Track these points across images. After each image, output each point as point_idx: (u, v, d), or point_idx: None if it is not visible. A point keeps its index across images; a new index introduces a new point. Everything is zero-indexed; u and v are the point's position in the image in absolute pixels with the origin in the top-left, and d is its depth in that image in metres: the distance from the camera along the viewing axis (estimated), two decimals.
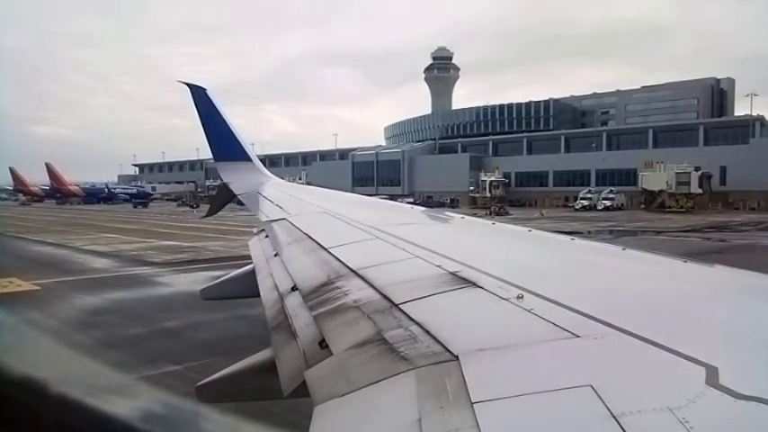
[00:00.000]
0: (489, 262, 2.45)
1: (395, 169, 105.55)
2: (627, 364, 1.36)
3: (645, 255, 2.71)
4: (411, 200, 76.83)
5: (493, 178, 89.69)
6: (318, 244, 3.47)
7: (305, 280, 2.74)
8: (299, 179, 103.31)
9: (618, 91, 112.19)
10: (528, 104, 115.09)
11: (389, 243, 3.20)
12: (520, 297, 1.86)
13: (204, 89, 8.76)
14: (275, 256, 3.68)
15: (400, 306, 1.95)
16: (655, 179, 71.87)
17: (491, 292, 1.98)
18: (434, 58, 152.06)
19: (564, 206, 79.11)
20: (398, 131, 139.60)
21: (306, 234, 3.95)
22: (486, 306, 1.91)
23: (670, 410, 1.06)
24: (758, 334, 1.55)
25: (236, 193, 7.94)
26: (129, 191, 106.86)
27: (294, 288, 2.69)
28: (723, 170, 74.14)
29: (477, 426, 1.10)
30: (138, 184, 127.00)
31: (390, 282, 2.31)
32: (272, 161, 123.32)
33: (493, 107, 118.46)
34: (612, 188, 78.45)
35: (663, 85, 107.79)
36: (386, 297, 2.10)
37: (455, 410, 1.18)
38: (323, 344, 1.89)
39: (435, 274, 2.32)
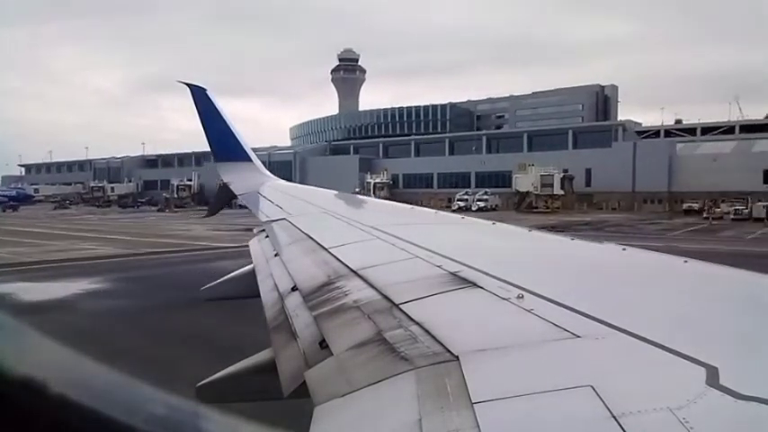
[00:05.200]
0: (489, 262, 2.45)
1: (287, 170, 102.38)
2: (627, 364, 1.36)
3: (645, 254, 2.70)
4: None
5: (378, 180, 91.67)
6: (318, 244, 3.47)
7: (305, 280, 2.74)
8: (188, 180, 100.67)
9: (511, 96, 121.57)
10: (426, 108, 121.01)
11: (389, 243, 3.20)
12: (520, 297, 1.86)
13: (204, 89, 8.77)
14: (275, 256, 3.68)
15: (400, 306, 1.95)
16: (524, 181, 76.77)
17: (491, 292, 1.98)
18: (341, 60, 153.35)
19: (447, 207, 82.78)
20: (304, 132, 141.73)
21: (306, 234, 3.95)
22: (486, 306, 1.91)
23: (670, 410, 1.06)
24: (758, 334, 1.55)
25: (237, 193, 7.95)
26: (7, 193, 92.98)
27: (294, 288, 2.69)
28: (588, 172, 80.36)
29: (478, 426, 1.10)
30: (19, 185, 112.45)
31: (390, 282, 2.31)
32: (165, 161, 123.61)
33: (393, 110, 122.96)
34: (487, 190, 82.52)
35: (552, 91, 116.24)
36: (386, 297, 2.10)
37: (455, 411, 1.18)
38: (323, 344, 1.89)
39: (435, 274, 2.32)
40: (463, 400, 1.20)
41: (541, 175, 74.55)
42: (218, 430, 1.70)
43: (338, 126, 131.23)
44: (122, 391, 1.59)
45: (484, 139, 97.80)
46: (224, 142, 8.83)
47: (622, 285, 2.26)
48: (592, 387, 1.17)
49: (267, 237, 4.52)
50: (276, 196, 6.73)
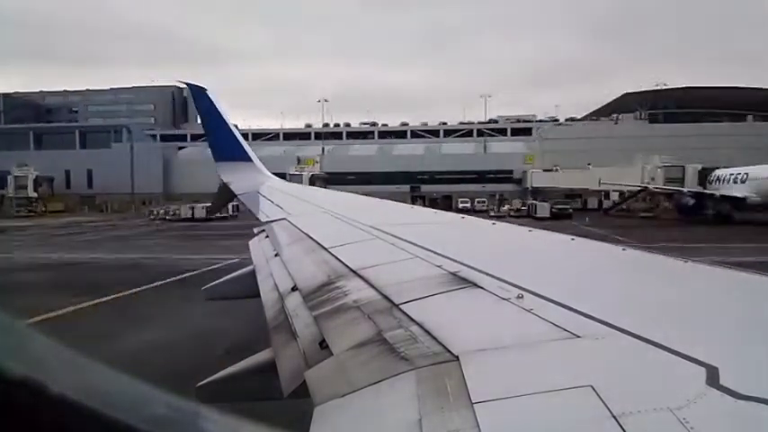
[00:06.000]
0: (489, 262, 2.45)
1: None
2: (627, 364, 1.36)
3: (645, 255, 2.71)
4: None
5: None
6: (318, 244, 3.47)
7: (305, 280, 2.74)
8: None
9: (86, 90, 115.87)
10: None
11: (389, 243, 3.20)
12: (520, 297, 1.86)
13: (204, 89, 8.76)
14: (275, 256, 3.68)
15: (400, 306, 1.95)
16: (11, 183, 71.33)
17: (491, 292, 1.98)
18: None
19: None
20: None
21: (306, 234, 3.96)
22: (486, 306, 1.91)
23: (670, 410, 1.06)
24: (758, 334, 1.55)
25: (237, 193, 7.95)
26: None
27: (294, 288, 2.69)
28: (90, 173, 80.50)
29: (478, 426, 1.09)
30: None
31: (390, 282, 2.31)
32: None
33: None
34: None
35: (129, 88, 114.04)
36: (386, 297, 2.10)
37: (455, 411, 1.18)
38: (323, 344, 1.89)
39: (435, 274, 2.32)
40: (463, 400, 1.20)
41: (15, 177, 68.99)
42: (218, 430, 1.70)
43: None
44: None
45: None
46: (224, 142, 8.83)
47: (622, 285, 2.26)
48: (592, 387, 1.17)
49: (267, 237, 4.52)
50: (276, 196, 6.73)
